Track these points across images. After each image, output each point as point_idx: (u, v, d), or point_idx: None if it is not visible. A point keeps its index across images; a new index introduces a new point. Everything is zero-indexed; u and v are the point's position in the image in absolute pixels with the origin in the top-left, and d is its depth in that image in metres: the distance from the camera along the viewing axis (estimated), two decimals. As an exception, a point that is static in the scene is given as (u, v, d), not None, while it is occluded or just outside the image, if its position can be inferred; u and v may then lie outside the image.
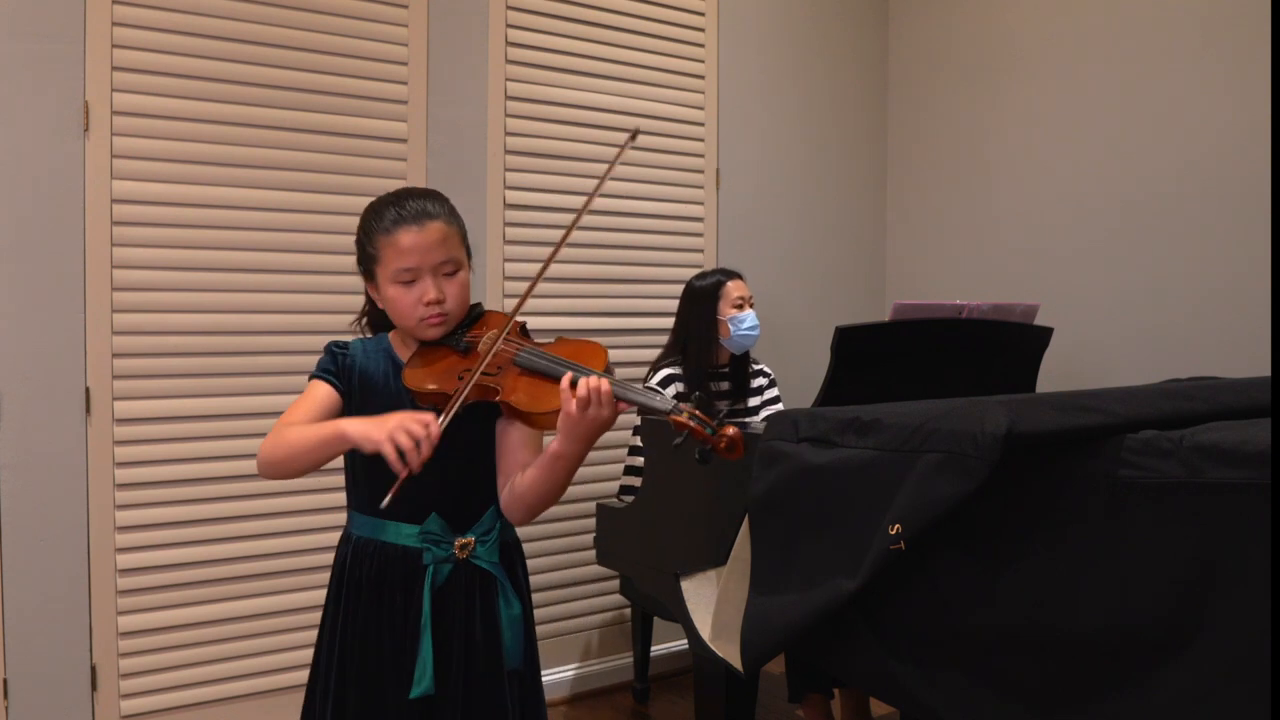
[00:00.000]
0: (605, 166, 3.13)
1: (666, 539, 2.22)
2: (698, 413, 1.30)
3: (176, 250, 2.48)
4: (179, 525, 2.49)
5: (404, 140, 2.77)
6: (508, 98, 2.95)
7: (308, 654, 2.64)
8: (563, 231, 1.58)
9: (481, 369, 1.42)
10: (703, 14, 3.35)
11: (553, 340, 1.52)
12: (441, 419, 1.34)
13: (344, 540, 1.58)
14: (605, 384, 1.34)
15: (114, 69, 2.37)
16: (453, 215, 1.52)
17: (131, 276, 2.42)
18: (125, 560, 2.42)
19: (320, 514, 2.66)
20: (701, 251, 3.36)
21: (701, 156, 3.36)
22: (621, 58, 3.17)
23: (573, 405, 1.33)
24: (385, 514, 1.47)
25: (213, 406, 2.53)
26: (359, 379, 1.55)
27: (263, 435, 2.54)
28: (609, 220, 3.13)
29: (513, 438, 1.50)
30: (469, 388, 1.40)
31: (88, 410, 2.38)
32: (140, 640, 2.45)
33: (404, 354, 1.56)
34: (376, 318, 1.67)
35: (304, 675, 2.65)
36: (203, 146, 2.50)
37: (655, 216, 3.25)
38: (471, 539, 1.51)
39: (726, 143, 3.42)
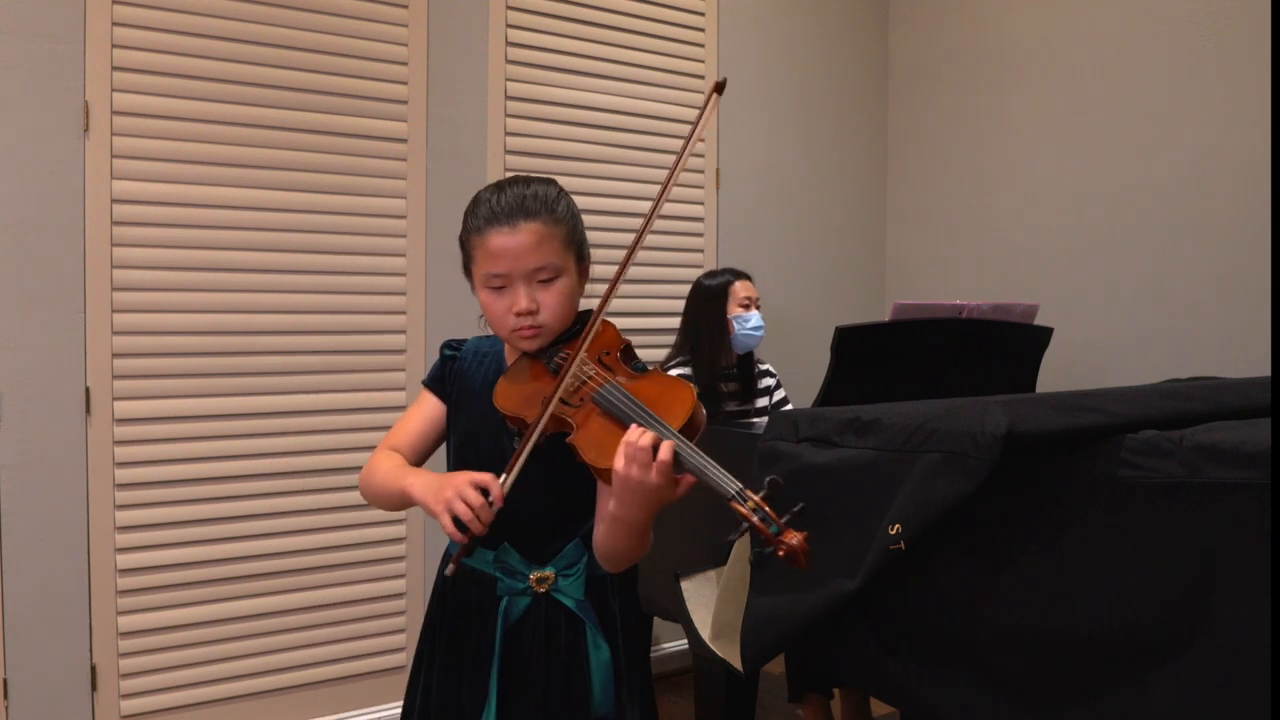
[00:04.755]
0: (616, 164, 3.14)
1: (667, 539, 2.22)
2: (764, 505, 1.09)
3: (176, 250, 2.48)
4: (179, 525, 2.49)
5: (404, 140, 2.77)
6: (508, 98, 2.95)
7: (307, 654, 2.68)
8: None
9: (558, 396, 1.24)
10: (703, 14, 3.35)
11: (648, 372, 1.32)
12: (504, 479, 1.21)
13: (444, 556, 1.46)
14: (649, 441, 1.13)
15: (114, 69, 2.37)
16: (557, 211, 1.34)
17: (131, 276, 2.42)
18: (125, 560, 2.42)
19: (320, 514, 2.67)
20: (701, 251, 3.36)
21: (701, 156, 3.36)
22: (621, 58, 3.17)
23: (620, 460, 1.14)
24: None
25: (213, 406, 2.53)
26: (459, 386, 1.44)
27: (263, 435, 2.59)
28: (609, 220, 3.13)
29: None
30: (543, 421, 1.23)
31: (88, 410, 2.38)
32: (140, 640, 2.45)
33: (512, 359, 1.42)
34: None
35: (304, 675, 2.67)
36: (203, 146, 2.50)
37: (655, 216, 3.25)
38: (551, 573, 1.36)
39: (726, 143, 3.42)
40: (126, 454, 2.42)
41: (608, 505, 1.25)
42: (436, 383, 1.46)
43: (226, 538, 2.55)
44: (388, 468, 1.37)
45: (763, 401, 3.02)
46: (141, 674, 2.45)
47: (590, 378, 1.28)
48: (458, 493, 1.20)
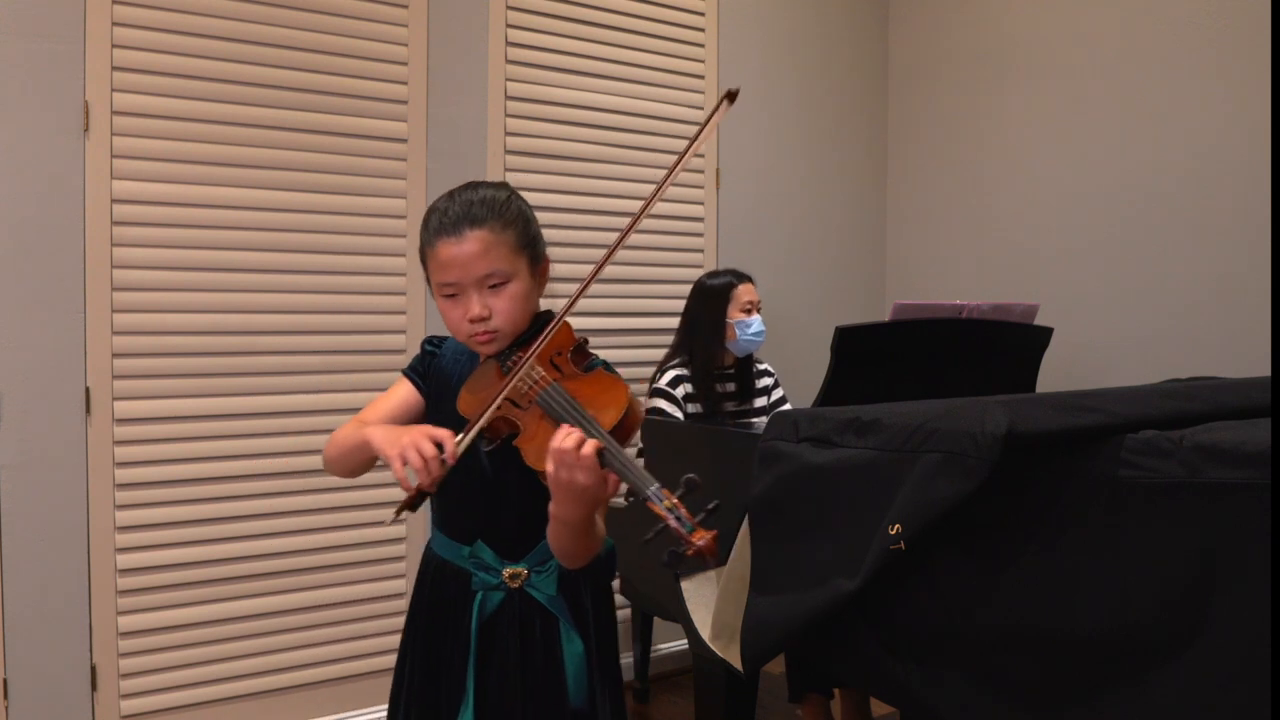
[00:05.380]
0: (614, 164, 3.14)
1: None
2: (681, 508, 1.11)
3: (176, 250, 2.48)
4: (179, 525, 2.49)
5: (404, 140, 2.77)
6: (508, 98, 2.95)
7: (307, 654, 2.68)
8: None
9: (503, 396, 1.26)
10: (703, 14, 3.35)
11: (592, 371, 1.34)
12: (461, 438, 1.24)
13: (426, 549, 1.52)
14: (571, 444, 1.15)
15: (114, 69, 2.37)
16: (505, 216, 1.35)
17: (131, 276, 2.42)
18: (125, 560, 2.42)
19: (320, 514, 2.67)
20: (701, 251, 3.36)
21: (702, 156, 3.36)
22: (621, 58, 3.17)
23: (549, 463, 1.17)
24: (447, 531, 1.43)
25: (213, 406, 2.53)
26: (438, 381, 1.46)
27: (263, 435, 2.59)
28: (609, 220, 3.13)
29: None
30: (484, 419, 1.25)
31: (88, 410, 2.38)
32: (140, 640, 2.45)
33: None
34: None
35: (303, 675, 2.67)
36: (203, 146, 2.50)
37: (655, 216, 3.25)
38: (524, 569, 1.40)
39: (726, 143, 3.42)
40: (126, 454, 2.42)
41: None
42: (416, 373, 1.48)
43: (226, 538, 2.55)
44: (352, 428, 1.39)
45: (761, 401, 3.02)
46: (141, 674, 2.46)
47: (537, 380, 1.29)
48: (414, 441, 1.21)
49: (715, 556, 1.09)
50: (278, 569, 2.62)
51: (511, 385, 1.27)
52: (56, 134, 2.32)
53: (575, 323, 3.24)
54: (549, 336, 1.30)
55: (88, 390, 2.38)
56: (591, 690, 1.42)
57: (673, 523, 1.10)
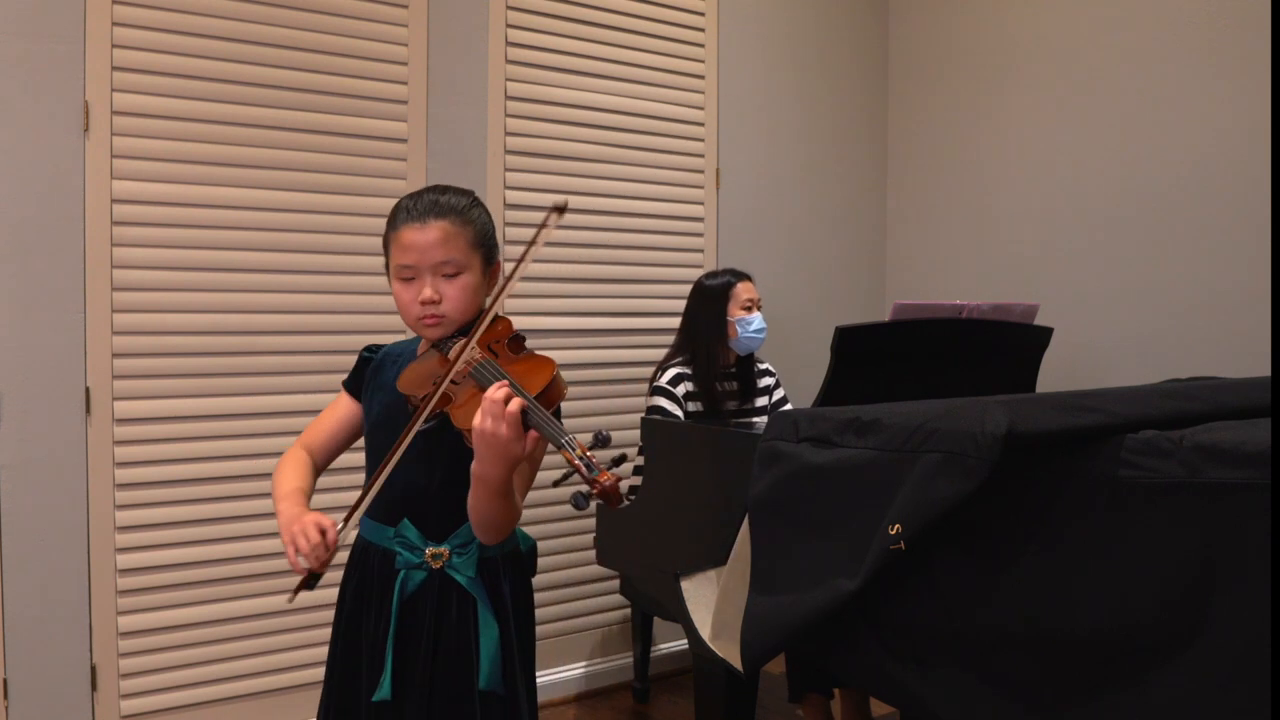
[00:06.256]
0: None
1: (666, 539, 2.22)
2: (588, 454, 1.24)
3: (176, 250, 2.48)
4: (179, 525, 2.49)
5: (404, 140, 2.77)
6: (508, 98, 2.95)
7: (307, 654, 2.67)
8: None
9: (449, 378, 1.37)
10: (703, 14, 3.35)
11: (525, 355, 1.45)
12: (341, 526, 1.36)
13: (354, 540, 1.58)
14: (502, 394, 1.26)
15: (114, 69, 2.37)
16: (468, 215, 1.47)
17: (131, 276, 2.42)
18: (125, 560, 2.42)
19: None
20: (701, 251, 3.37)
21: (701, 156, 3.36)
22: (621, 58, 3.17)
23: (477, 416, 1.27)
24: (374, 514, 1.51)
25: (213, 406, 2.53)
26: (373, 383, 1.56)
27: (263, 435, 2.59)
28: (609, 220, 3.13)
29: None
30: (434, 397, 1.36)
31: (88, 410, 2.38)
32: (140, 640, 2.45)
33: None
34: None
35: (303, 675, 2.67)
36: (203, 146, 2.50)
37: (655, 216, 3.26)
38: (445, 549, 1.47)
39: (726, 143, 3.42)
40: (126, 454, 2.42)
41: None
42: (352, 384, 1.60)
43: (226, 538, 2.55)
44: (280, 481, 1.51)
45: (762, 401, 3.02)
46: (141, 674, 2.46)
47: (470, 360, 1.40)
48: (301, 529, 1.33)
49: (617, 496, 1.21)
50: (278, 569, 2.62)
51: (456, 367, 1.38)
52: (56, 134, 2.32)
53: (572, 323, 3.23)
54: (487, 324, 1.41)
55: (88, 390, 2.38)
56: (510, 676, 1.48)
57: (581, 467, 1.22)
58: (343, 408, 1.60)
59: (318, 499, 2.61)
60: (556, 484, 1.27)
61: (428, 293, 1.43)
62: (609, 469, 1.23)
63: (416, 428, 1.37)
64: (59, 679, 2.36)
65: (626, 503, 1.18)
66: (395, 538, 1.48)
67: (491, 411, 1.25)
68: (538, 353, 1.44)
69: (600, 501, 1.24)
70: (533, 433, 1.28)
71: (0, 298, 2.28)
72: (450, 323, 1.47)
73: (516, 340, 1.47)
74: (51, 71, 2.31)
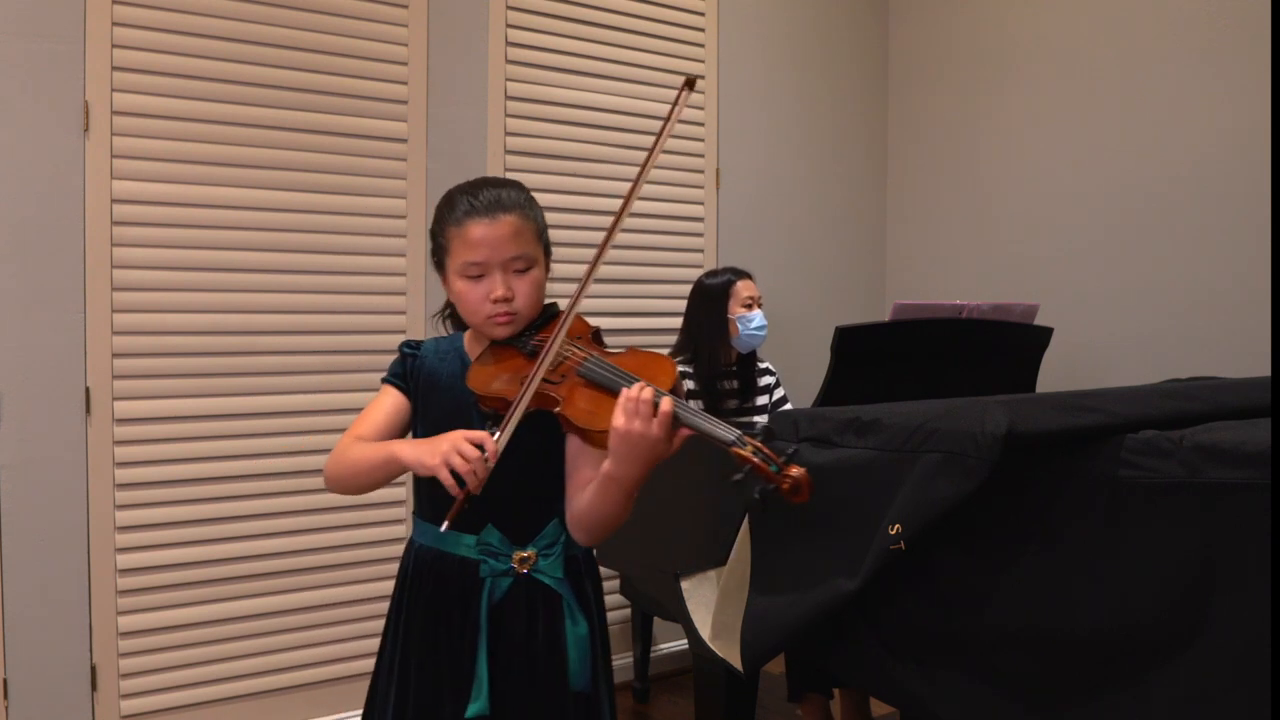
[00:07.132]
0: (611, 165, 3.14)
1: (666, 539, 2.22)
2: (763, 448, 1.19)
3: (176, 250, 2.48)
4: (179, 525, 2.49)
5: (404, 140, 2.77)
6: (508, 98, 2.95)
7: (307, 654, 2.67)
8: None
9: (543, 374, 1.31)
10: (703, 14, 3.35)
11: (623, 350, 1.41)
12: (498, 435, 1.26)
13: (408, 547, 1.50)
14: (649, 394, 1.22)
15: (114, 69, 2.37)
16: (530, 208, 1.43)
17: (131, 276, 2.42)
18: (125, 560, 2.42)
19: (320, 514, 2.66)
20: (701, 251, 3.37)
21: (701, 156, 3.36)
22: (621, 58, 3.17)
23: (620, 417, 1.22)
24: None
25: (213, 406, 2.53)
26: (425, 380, 1.48)
27: (263, 435, 2.59)
28: (607, 220, 3.13)
29: (579, 452, 1.39)
30: (528, 394, 1.29)
31: (88, 410, 2.38)
32: (140, 640, 2.45)
33: (475, 354, 1.47)
34: (459, 314, 1.54)
35: (303, 675, 2.67)
36: (203, 146, 2.50)
37: (655, 216, 3.25)
38: (532, 553, 1.41)
39: (726, 143, 3.42)
40: (126, 454, 2.42)
41: (586, 474, 1.35)
42: (399, 379, 1.50)
43: (226, 538, 2.55)
44: (362, 445, 1.41)
45: (762, 400, 3.02)
46: (141, 674, 2.45)
47: (568, 356, 1.35)
48: (454, 447, 1.24)
49: (810, 488, 1.17)
50: (277, 569, 2.62)
51: (547, 362, 1.32)
52: (56, 134, 2.32)
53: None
54: (571, 315, 1.36)
55: (88, 390, 2.38)
56: (595, 674, 1.44)
57: (760, 463, 1.18)
58: (391, 403, 1.48)
59: (302, 500, 2.62)
60: (737, 482, 1.20)
61: (500, 290, 1.38)
62: (789, 460, 1.18)
63: (511, 427, 1.28)
64: (59, 679, 2.35)
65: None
66: (477, 545, 1.40)
67: (640, 412, 1.21)
68: (642, 349, 1.41)
69: (791, 499, 1.17)
70: (683, 431, 1.24)
71: (0, 298, 2.28)
72: (521, 320, 1.42)
73: (598, 335, 1.45)
74: (51, 71, 2.31)
